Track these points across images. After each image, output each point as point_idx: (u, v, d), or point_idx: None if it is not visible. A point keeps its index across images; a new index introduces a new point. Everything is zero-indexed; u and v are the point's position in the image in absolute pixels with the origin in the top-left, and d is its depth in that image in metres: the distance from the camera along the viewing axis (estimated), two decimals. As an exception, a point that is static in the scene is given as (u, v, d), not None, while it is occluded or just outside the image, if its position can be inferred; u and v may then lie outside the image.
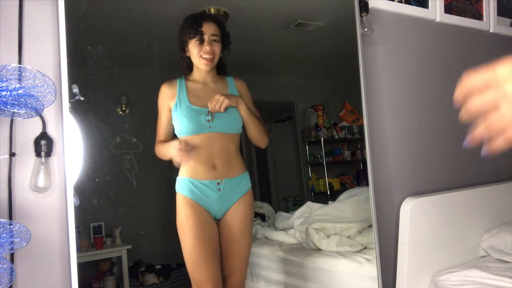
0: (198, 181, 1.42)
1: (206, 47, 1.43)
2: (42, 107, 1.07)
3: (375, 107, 1.88)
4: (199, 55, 1.44)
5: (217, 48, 1.46)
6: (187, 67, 1.51)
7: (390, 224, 1.86)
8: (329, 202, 2.11)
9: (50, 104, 1.09)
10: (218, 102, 1.42)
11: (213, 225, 1.45)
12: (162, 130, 1.47)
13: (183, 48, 1.48)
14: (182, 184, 1.44)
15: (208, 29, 1.44)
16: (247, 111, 1.49)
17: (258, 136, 1.57)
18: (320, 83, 2.37)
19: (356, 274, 1.72)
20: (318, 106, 2.27)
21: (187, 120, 1.42)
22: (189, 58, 1.49)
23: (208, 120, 1.43)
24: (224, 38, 1.49)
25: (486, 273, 1.70)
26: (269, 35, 1.97)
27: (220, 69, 1.54)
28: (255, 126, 1.53)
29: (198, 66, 1.48)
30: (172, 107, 1.45)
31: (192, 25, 1.43)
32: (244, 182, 1.50)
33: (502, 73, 0.50)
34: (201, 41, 1.43)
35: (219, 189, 1.44)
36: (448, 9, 2.21)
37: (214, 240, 1.43)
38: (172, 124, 1.46)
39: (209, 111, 1.44)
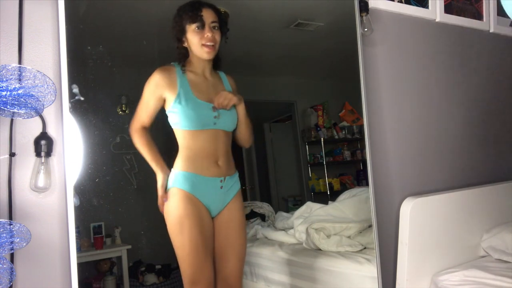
0: (201, 177, 1.39)
1: (208, 34, 1.37)
2: (42, 107, 1.07)
3: (375, 107, 1.88)
4: (201, 43, 1.38)
5: (218, 35, 1.41)
6: (184, 57, 1.44)
7: (390, 224, 1.86)
8: (329, 202, 2.11)
9: (50, 104, 1.09)
10: (226, 99, 1.39)
11: (211, 224, 1.43)
12: (147, 116, 1.40)
13: (180, 38, 1.41)
14: (182, 178, 1.38)
15: (208, 16, 1.38)
16: (245, 111, 1.48)
17: (247, 136, 1.55)
18: (320, 83, 2.37)
19: (356, 274, 1.72)
20: (318, 106, 2.27)
21: (194, 115, 1.37)
22: (185, 48, 1.42)
23: (215, 117, 1.40)
24: (222, 25, 1.44)
25: (486, 273, 1.70)
26: (269, 35, 1.97)
27: (215, 62, 1.49)
28: (247, 126, 1.52)
29: (200, 55, 1.41)
30: (173, 98, 1.37)
31: (191, 10, 1.37)
32: (237, 181, 1.50)
33: None
34: (202, 27, 1.37)
35: (221, 187, 1.42)
36: (448, 9, 2.21)
37: (211, 239, 1.41)
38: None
39: (213, 107, 1.40)
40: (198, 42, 1.38)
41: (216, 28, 1.40)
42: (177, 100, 1.37)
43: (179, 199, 1.36)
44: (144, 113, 1.41)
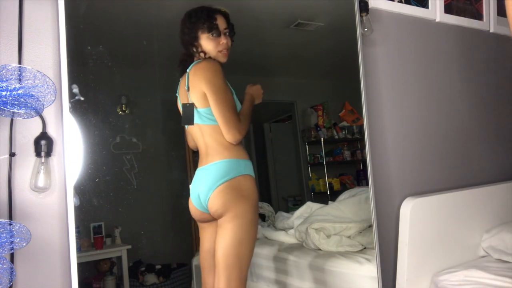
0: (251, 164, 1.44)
1: (223, 41, 1.42)
2: (42, 107, 1.07)
3: (375, 107, 1.88)
4: (217, 50, 1.41)
5: (229, 41, 1.45)
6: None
7: (390, 224, 1.86)
8: (329, 202, 2.11)
9: (50, 104, 1.09)
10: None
11: None
12: (236, 109, 1.39)
13: (193, 43, 1.42)
14: (251, 167, 1.41)
15: (221, 23, 1.43)
16: None
17: None
18: (320, 83, 2.37)
19: (356, 274, 1.72)
20: (318, 106, 2.27)
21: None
22: (204, 53, 1.43)
23: None
24: (230, 30, 1.48)
25: (486, 273, 1.70)
26: (269, 35, 1.97)
27: None
28: None
29: (216, 59, 1.43)
30: (232, 92, 1.41)
31: (207, 19, 1.40)
32: None
33: None
34: (218, 35, 1.41)
35: None
36: (448, 9, 2.21)
37: None
38: None
39: None
40: (215, 49, 1.41)
41: (227, 34, 1.45)
42: (234, 97, 1.41)
43: (254, 186, 1.39)
44: (234, 103, 1.39)
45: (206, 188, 1.34)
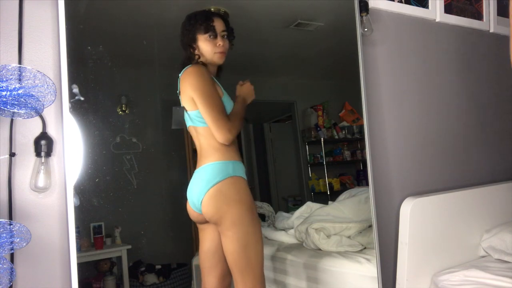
0: (243, 166, 1.43)
1: (220, 42, 1.43)
2: (42, 107, 1.07)
3: (375, 107, 1.88)
4: (214, 51, 1.43)
5: (227, 43, 1.46)
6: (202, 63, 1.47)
7: (390, 224, 1.86)
8: (329, 202, 2.11)
9: (50, 104, 1.09)
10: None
11: None
12: (224, 109, 1.38)
13: (191, 44, 1.44)
14: (238, 167, 1.39)
15: (219, 25, 1.44)
16: None
17: None
18: (320, 83, 2.37)
19: (356, 274, 1.72)
20: (318, 106, 2.27)
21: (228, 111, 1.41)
22: (199, 55, 1.45)
23: None
24: (229, 33, 1.49)
25: (486, 273, 1.70)
26: (269, 35, 1.97)
27: (218, 69, 1.53)
28: None
29: (212, 61, 1.45)
30: (223, 96, 1.41)
31: (205, 20, 1.42)
32: None
33: None
34: (215, 37, 1.42)
35: None
36: (448, 9, 2.21)
37: None
38: None
39: None
40: (211, 50, 1.43)
41: (225, 36, 1.46)
42: (225, 98, 1.41)
43: (245, 187, 1.38)
44: (222, 106, 1.38)
45: (197, 192, 1.36)
